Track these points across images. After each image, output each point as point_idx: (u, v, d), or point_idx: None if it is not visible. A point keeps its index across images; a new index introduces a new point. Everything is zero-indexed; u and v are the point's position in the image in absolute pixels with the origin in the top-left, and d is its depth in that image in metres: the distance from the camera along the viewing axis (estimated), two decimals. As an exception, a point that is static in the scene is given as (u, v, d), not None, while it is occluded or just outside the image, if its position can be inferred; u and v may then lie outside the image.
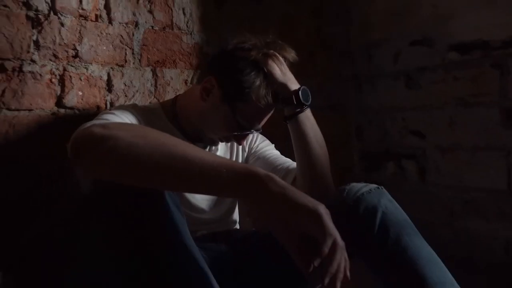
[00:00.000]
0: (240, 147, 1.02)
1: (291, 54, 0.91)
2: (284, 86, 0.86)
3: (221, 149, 1.03)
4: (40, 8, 0.97)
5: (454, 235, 1.46)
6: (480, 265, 1.36)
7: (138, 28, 1.14)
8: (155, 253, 0.60)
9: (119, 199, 0.60)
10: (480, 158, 1.38)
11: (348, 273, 0.55)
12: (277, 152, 1.04)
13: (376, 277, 0.74)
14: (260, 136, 1.08)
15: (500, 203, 1.33)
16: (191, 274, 0.61)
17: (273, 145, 1.08)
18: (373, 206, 0.76)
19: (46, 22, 0.98)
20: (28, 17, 0.95)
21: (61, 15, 1.00)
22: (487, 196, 1.37)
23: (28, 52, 0.96)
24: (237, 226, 1.05)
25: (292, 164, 0.95)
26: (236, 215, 1.05)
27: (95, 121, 0.72)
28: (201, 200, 0.96)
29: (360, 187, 0.81)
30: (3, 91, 0.93)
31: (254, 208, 0.59)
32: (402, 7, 1.57)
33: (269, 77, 0.85)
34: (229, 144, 1.03)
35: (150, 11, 1.16)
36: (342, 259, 0.54)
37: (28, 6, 0.95)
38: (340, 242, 0.55)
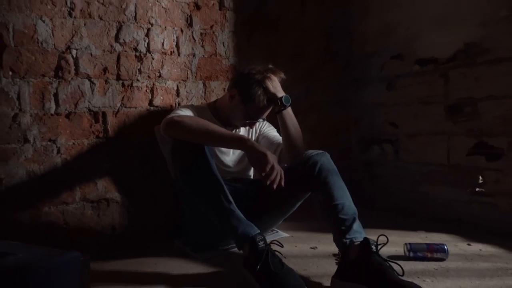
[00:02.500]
0: (253, 129, 1.68)
1: (281, 75, 1.55)
2: (274, 95, 1.50)
3: (243, 131, 1.70)
4: (142, 50, 1.71)
5: (417, 196, 1.99)
6: (433, 216, 1.89)
7: (195, 57, 1.85)
8: (202, 175, 1.30)
9: (183, 147, 1.31)
10: (432, 142, 1.91)
11: (282, 182, 1.21)
12: (275, 133, 1.68)
13: (313, 195, 1.37)
14: (267, 123, 1.72)
15: (443, 173, 1.86)
16: (219, 190, 1.29)
17: (275, 129, 1.72)
18: (316, 161, 1.38)
19: (144, 58, 1.72)
20: (135, 56, 1.71)
21: (152, 53, 1.74)
22: (436, 168, 1.90)
23: (135, 75, 1.71)
24: (251, 176, 1.72)
25: (281, 139, 1.60)
26: (250, 171, 1.72)
27: (172, 114, 1.43)
28: (229, 160, 1.64)
29: (312, 152, 1.43)
30: (123, 97, 1.69)
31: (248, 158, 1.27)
32: (386, 28, 2.11)
33: (265, 90, 1.50)
34: (247, 127, 1.70)
35: (202, 46, 1.87)
36: (277, 174, 1.20)
37: (136, 49, 1.70)
38: (276, 166, 1.20)
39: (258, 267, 1.12)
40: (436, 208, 1.89)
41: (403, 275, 1.05)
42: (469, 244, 1.53)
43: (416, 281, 1.15)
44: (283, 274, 1.12)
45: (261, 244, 1.18)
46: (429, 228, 1.74)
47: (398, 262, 1.17)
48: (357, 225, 1.22)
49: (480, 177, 1.72)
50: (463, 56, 1.74)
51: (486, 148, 1.68)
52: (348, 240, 1.17)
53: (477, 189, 1.73)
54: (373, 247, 1.10)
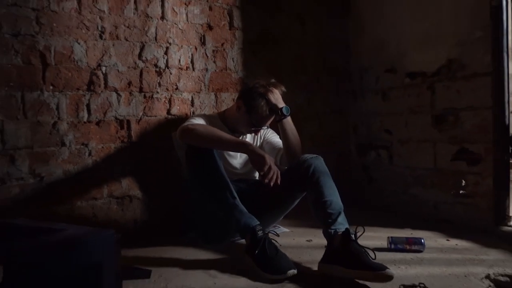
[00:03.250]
0: (258, 135, 1.91)
1: (282, 88, 1.78)
2: (275, 106, 1.72)
3: (249, 137, 1.93)
4: (161, 66, 1.96)
5: (407, 198, 2.18)
6: (421, 216, 2.07)
7: (207, 71, 2.10)
8: (211, 175, 1.53)
9: (195, 151, 1.55)
10: (421, 148, 2.10)
11: (278, 180, 1.43)
12: (278, 139, 1.89)
13: (308, 194, 1.59)
14: (271, 130, 1.94)
15: (430, 177, 2.05)
16: (225, 187, 1.52)
17: (278, 135, 1.94)
18: (310, 164, 1.59)
19: (163, 73, 1.97)
20: (156, 71, 1.96)
21: (170, 69, 1.99)
22: (424, 172, 2.09)
23: (155, 88, 1.96)
24: (256, 178, 1.94)
25: (282, 145, 1.82)
26: (255, 173, 1.94)
27: (187, 123, 1.66)
28: (236, 163, 1.87)
29: (307, 156, 1.64)
30: (144, 107, 1.94)
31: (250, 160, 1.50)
32: (380, 44, 2.32)
33: (268, 101, 1.72)
34: (253, 134, 1.92)
35: (214, 61, 2.11)
36: (274, 173, 1.42)
37: (156, 66, 1.95)
38: (273, 167, 1.42)
39: (257, 252, 1.35)
40: (424, 208, 2.08)
41: (375, 259, 1.26)
42: (447, 240, 1.71)
43: (393, 267, 1.34)
44: (277, 258, 1.33)
45: (260, 233, 1.40)
46: (416, 226, 1.93)
47: (381, 252, 1.37)
48: (341, 218, 1.43)
49: (463, 181, 1.90)
50: (446, 71, 1.94)
51: (466, 154, 1.87)
52: (333, 231, 1.38)
53: (460, 192, 1.91)
54: (352, 236, 1.31)
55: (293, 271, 1.30)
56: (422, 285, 1.20)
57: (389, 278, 1.17)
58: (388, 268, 1.19)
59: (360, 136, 2.51)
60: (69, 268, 0.94)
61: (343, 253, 1.27)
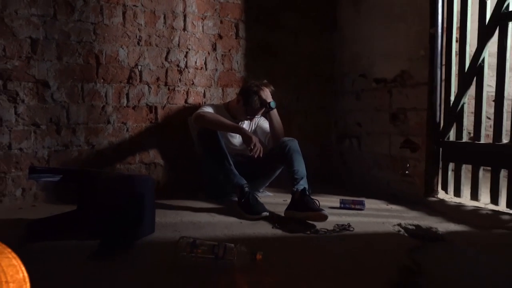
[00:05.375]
0: (253, 122, 2.51)
1: (271, 87, 2.38)
2: (264, 101, 2.32)
3: (246, 123, 2.53)
4: (182, 66, 2.58)
5: (371, 177, 2.77)
6: (378, 191, 2.66)
7: (217, 71, 2.71)
8: (215, 148, 2.15)
9: (205, 132, 2.17)
10: (381, 138, 2.68)
11: (261, 154, 2.05)
12: (267, 125, 2.49)
13: (283, 166, 2.20)
14: (263, 118, 2.53)
15: (385, 161, 2.63)
16: (224, 157, 2.15)
17: (267, 122, 2.55)
18: (286, 144, 2.18)
19: (183, 71, 2.59)
20: (177, 70, 2.58)
21: (188, 68, 2.61)
22: (381, 157, 2.67)
23: (177, 82, 2.58)
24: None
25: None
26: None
27: (199, 110, 2.28)
28: (235, 141, 2.48)
29: (286, 139, 2.24)
30: (168, 97, 2.57)
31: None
32: (356, 56, 2.89)
33: (259, 97, 2.33)
34: (249, 121, 2.53)
35: (222, 63, 2.72)
36: (258, 149, 2.03)
37: (178, 66, 2.57)
38: (257, 144, 2.04)
39: (243, 200, 1.97)
40: (381, 185, 2.67)
41: (319, 206, 1.87)
42: (387, 205, 2.31)
43: (336, 217, 1.95)
44: (256, 205, 1.96)
45: (246, 189, 2.03)
46: (370, 196, 2.52)
47: (333, 209, 1.99)
48: (303, 181, 2.03)
49: (408, 164, 2.48)
50: (400, 79, 2.51)
51: (410, 144, 2.44)
52: (295, 188, 1.99)
53: (406, 172, 2.50)
54: (307, 192, 1.92)
55: (265, 213, 1.93)
56: (348, 225, 1.81)
57: (324, 216, 1.78)
58: (324, 210, 1.81)
59: (339, 128, 3.10)
60: (124, 193, 1.58)
61: (299, 202, 1.89)
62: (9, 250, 0.85)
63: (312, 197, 1.95)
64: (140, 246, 1.54)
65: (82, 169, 1.96)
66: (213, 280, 1.25)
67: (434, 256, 1.50)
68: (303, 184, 2.02)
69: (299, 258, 1.46)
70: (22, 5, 2.13)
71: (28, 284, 0.86)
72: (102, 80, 2.37)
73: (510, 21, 1.97)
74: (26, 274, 0.86)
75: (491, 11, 2.04)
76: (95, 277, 1.27)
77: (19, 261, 0.85)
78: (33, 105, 2.20)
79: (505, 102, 2.02)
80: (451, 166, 2.29)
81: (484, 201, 2.13)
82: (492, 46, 2.08)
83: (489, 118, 2.51)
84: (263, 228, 1.81)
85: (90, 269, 1.33)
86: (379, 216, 2.04)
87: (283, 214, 1.98)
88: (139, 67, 2.46)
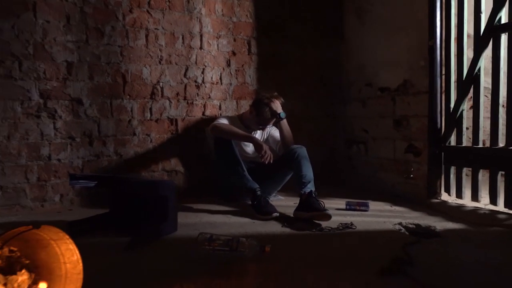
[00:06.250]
0: (265, 131, 2.72)
1: (281, 99, 2.59)
2: (275, 112, 2.53)
3: (259, 133, 2.74)
4: (199, 81, 2.83)
5: (376, 180, 2.93)
6: (383, 193, 2.81)
7: (231, 85, 2.94)
8: (229, 156, 2.38)
9: (220, 141, 2.40)
10: (385, 143, 2.84)
11: (271, 160, 2.25)
12: (278, 135, 2.70)
13: (293, 172, 2.39)
14: (274, 128, 2.74)
15: (390, 165, 2.78)
16: (238, 164, 2.37)
17: (278, 131, 2.75)
18: (295, 151, 2.38)
19: (200, 86, 2.84)
20: (195, 85, 2.82)
21: (205, 83, 2.85)
22: (386, 161, 2.82)
23: (195, 97, 2.83)
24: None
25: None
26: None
27: (215, 122, 2.51)
28: (249, 150, 2.69)
29: (295, 146, 2.44)
30: (187, 110, 2.81)
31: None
32: (362, 65, 3.07)
33: (270, 108, 2.54)
34: (261, 130, 2.74)
35: (236, 78, 2.95)
36: (268, 155, 2.23)
37: (195, 81, 2.82)
38: (268, 151, 2.24)
39: (255, 202, 2.18)
40: (386, 187, 2.82)
41: (324, 207, 2.05)
42: (391, 206, 2.46)
43: (342, 217, 2.13)
44: (267, 206, 2.16)
45: (258, 192, 2.24)
46: (376, 199, 2.67)
47: (339, 211, 2.18)
48: (310, 185, 2.22)
49: (412, 168, 2.63)
50: (402, 88, 2.67)
51: (413, 148, 2.59)
52: (303, 191, 2.18)
53: (410, 175, 2.65)
54: (314, 194, 2.11)
55: (276, 214, 2.13)
56: (351, 224, 1.99)
57: (329, 216, 1.96)
58: (328, 211, 1.99)
59: (347, 134, 3.27)
60: (150, 196, 1.81)
61: (306, 203, 2.08)
62: (67, 237, 1.08)
63: (319, 199, 2.14)
64: (166, 242, 1.77)
65: (113, 176, 2.23)
66: (227, 267, 1.45)
67: (427, 249, 1.66)
68: (310, 187, 2.21)
69: (303, 251, 1.65)
70: (59, 32, 2.43)
71: (80, 265, 1.09)
72: (128, 96, 2.63)
73: (502, 33, 2.12)
74: (79, 256, 1.09)
75: (485, 24, 2.20)
76: (129, 263, 1.50)
77: (74, 246, 1.09)
78: (69, 120, 2.48)
79: (501, 109, 2.16)
80: (452, 169, 2.43)
81: (485, 202, 2.26)
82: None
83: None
84: (273, 227, 2.00)
85: (125, 258, 1.56)
86: (382, 216, 2.20)
87: (292, 215, 2.17)
88: (161, 83, 2.72)
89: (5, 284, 1.07)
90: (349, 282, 1.34)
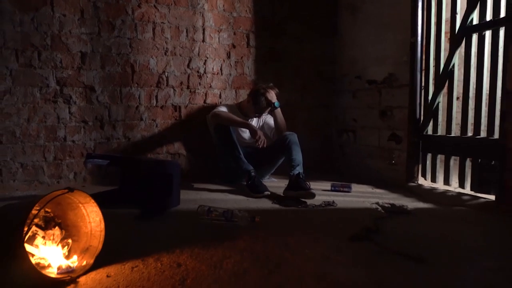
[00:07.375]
0: (260, 118, 2.97)
1: (276, 89, 2.83)
2: (270, 101, 2.77)
3: (255, 120, 2.99)
4: (201, 72, 3.07)
5: (364, 166, 3.18)
6: (369, 177, 3.07)
7: (231, 75, 3.18)
8: (227, 141, 2.63)
9: (219, 127, 2.65)
10: (372, 132, 3.09)
11: (265, 144, 2.51)
12: (272, 122, 2.95)
13: (284, 156, 2.65)
14: (269, 115, 2.98)
15: (375, 152, 3.04)
16: (235, 148, 2.62)
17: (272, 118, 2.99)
18: (287, 137, 2.63)
19: (202, 76, 3.08)
20: (198, 75, 3.06)
21: (207, 74, 3.09)
22: (373, 148, 3.08)
23: (197, 86, 3.07)
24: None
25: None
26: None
27: (215, 109, 2.76)
28: (245, 135, 2.94)
29: (287, 133, 2.69)
30: (190, 98, 3.06)
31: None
32: (353, 60, 3.29)
33: (265, 98, 2.78)
34: (257, 118, 2.98)
35: (235, 69, 3.19)
36: (262, 140, 2.49)
37: (198, 72, 3.06)
38: (262, 136, 2.50)
39: (249, 182, 2.45)
40: (372, 173, 3.08)
41: (309, 186, 2.31)
42: (372, 188, 2.72)
43: (326, 197, 2.39)
44: (260, 186, 2.43)
45: (252, 173, 2.50)
46: (361, 182, 2.94)
47: (325, 191, 2.44)
48: (299, 167, 2.48)
49: (394, 155, 2.88)
50: (388, 81, 2.90)
51: (395, 137, 2.84)
52: (292, 173, 2.44)
53: (393, 161, 2.90)
54: (301, 176, 2.38)
55: (267, 193, 2.40)
56: (333, 202, 2.25)
57: (313, 194, 2.23)
58: (312, 189, 2.26)
59: (339, 123, 3.52)
60: (157, 174, 2.07)
61: (294, 183, 2.34)
62: (93, 201, 1.35)
63: (307, 180, 2.40)
64: (170, 213, 2.04)
65: (125, 156, 2.49)
66: (223, 233, 1.72)
67: (394, 223, 1.92)
68: (298, 169, 2.47)
69: (288, 222, 1.92)
70: (74, 25, 2.66)
71: (103, 224, 1.36)
72: (136, 85, 2.88)
73: (474, 33, 2.34)
74: (101, 217, 1.36)
75: (459, 24, 2.42)
76: (141, 229, 1.78)
77: (98, 209, 1.35)
78: (82, 106, 2.74)
79: (470, 101, 2.40)
80: (429, 156, 2.68)
81: (455, 186, 2.52)
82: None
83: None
84: (265, 204, 2.27)
85: (136, 225, 1.83)
86: (362, 197, 2.47)
87: (282, 194, 2.44)
88: (166, 73, 2.96)
89: (43, 237, 1.35)
90: (324, 245, 1.60)
